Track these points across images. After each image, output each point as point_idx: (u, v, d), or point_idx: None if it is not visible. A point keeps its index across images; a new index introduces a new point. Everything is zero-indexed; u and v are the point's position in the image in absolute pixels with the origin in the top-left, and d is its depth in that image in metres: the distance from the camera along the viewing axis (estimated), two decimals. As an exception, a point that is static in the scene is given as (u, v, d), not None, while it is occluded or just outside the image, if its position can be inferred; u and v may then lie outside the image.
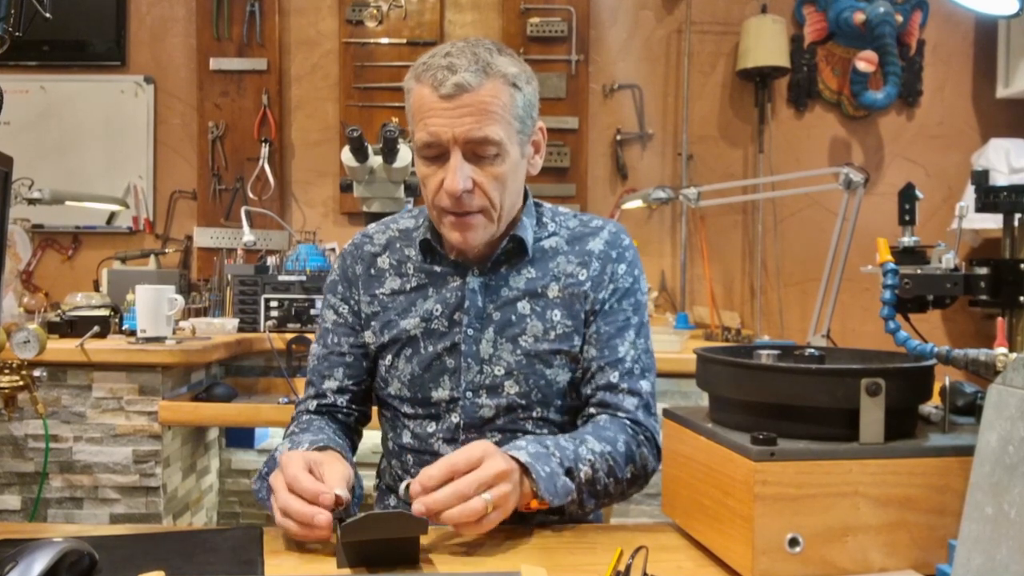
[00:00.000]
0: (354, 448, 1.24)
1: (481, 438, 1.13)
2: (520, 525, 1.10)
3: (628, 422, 1.13)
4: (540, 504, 0.97)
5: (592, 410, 1.16)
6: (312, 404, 1.22)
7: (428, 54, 1.08)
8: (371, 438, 1.32)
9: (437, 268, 1.18)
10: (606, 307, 1.16)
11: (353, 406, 1.22)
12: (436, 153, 1.07)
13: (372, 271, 1.21)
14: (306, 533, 0.87)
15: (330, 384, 1.21)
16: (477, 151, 1.06)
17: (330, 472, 0.92)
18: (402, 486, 0.92)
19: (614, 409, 1.14)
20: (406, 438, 1.18)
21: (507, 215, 1.13)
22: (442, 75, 1.04)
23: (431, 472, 0.89)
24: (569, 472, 1.01)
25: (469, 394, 1.14)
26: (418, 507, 0.87)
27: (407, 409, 1.18)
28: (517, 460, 0.95)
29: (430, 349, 1.16)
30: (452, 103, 1.04)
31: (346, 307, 1.22)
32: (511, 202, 1.13)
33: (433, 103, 1.04)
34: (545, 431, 1.15)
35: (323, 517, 0.85)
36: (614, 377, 1.14)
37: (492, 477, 0.89)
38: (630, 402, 1.14)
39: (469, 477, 0.89)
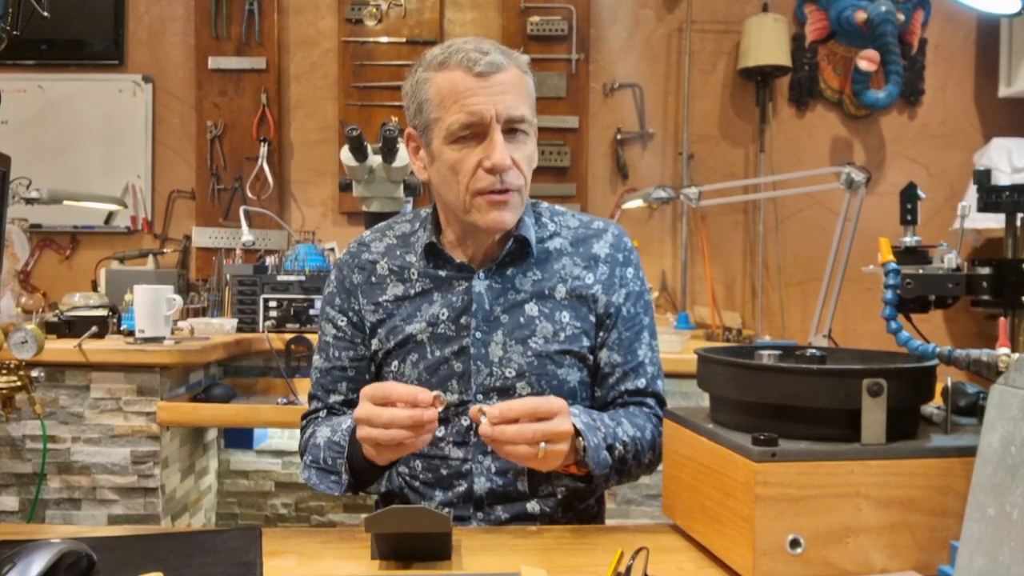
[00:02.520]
0: None
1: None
2: (520, 525, 1.10)
3: (652, 415, 1.19)
4: (579, 470, 1.04)
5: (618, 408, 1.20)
6: (322, 413, 1.23)
7: (440, 48, 1.10)
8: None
9: (442, 273, 1.17)
10: (623, 312, 1.19)
11: None
12: (474, 132, 1.07)
13: (373, 279, 1.20)
14: (416, 434, 0.95)
15: (335, 398, 1.22)
16: (514, 127, 1.08)
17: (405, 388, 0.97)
18: (478, 408, 0.96)
19: (639, 407, 1.20)
20: None
21: (527, 200, 1.16)
22: (475, 56, 1.06)
23: (513, 406, 0.95)
24: (610, 448, 1.06)
25: (480, 396, 1.14)
26: (486, 430, 0.94)
27: None
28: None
29: (437, 353, 1.15)
30: (488, 81, 1.06)
31: (345, 319, 1.21)
32: (529, 186, 1.15)
33: (469, 83, 1.06)
34: (576, 406, 1.16)
35: (431, 412, 0.94)
36: (641, 383, 1.19)
37: (557, 434, 0.96)
38: (652, 401, 1.21)
39: (540, 425, 0.95)
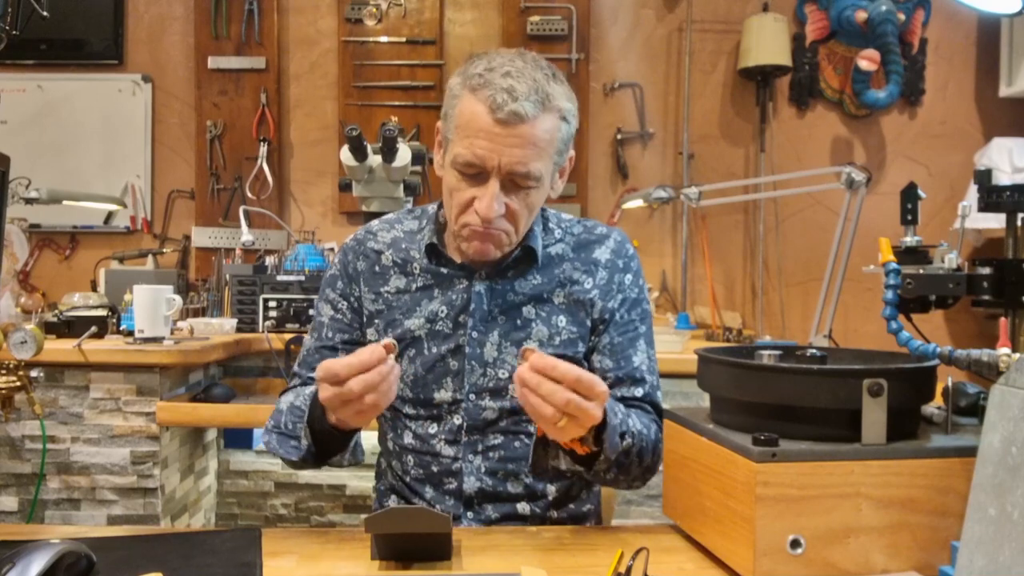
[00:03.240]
0: None
1: (484, 439, 1.15)
2: (520, 525, 1.10)
3: (654, 420, 1.16)
4: (581, 448, 0.99)
5: None
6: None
7: (485, 64, 1.05)
8: (370, 438, 1.31)
9: (444, 270, 1.17)
10: (616, 317, 1.18)
11: None
12: (475, 172, 1.06)
13: (376, 268, 1.20)
14: (378, 396, 0.91)
15: None
16: (517, 182, 1.06)
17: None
18: (529, 348, 0.92)
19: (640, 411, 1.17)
20: (407, 439, 1.18)
21: (521, 238, 1.14)
22: (502, 98, 1.01)
23: (559, 367, 0.89)
24: (621, 435, 1.03)
25: (472, 396, 1.14)
26: (524, 372, 0.89)
27: (408, 410, 1.18)
28: None
29: (434, 350, 1.15)
30: (505, 130, 1.02)
31: (345, 303, 1.21)
32: (526, 228, 1.14)
33: (485, 124, 1.02)
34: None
35: (387, 366, 0.90)
36: (637, 392, 1.17)
37: (586, 415, 0.89)
38: (651, 411, 1.18)
39: (576, 397, 0.88)
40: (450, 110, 1.09)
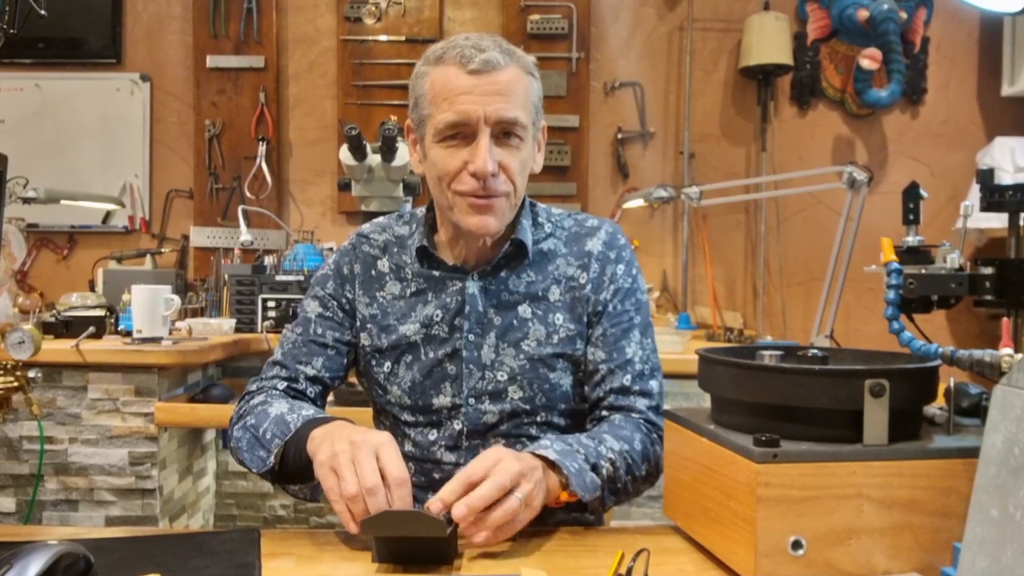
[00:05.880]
0: None
1: (484, 445, 1.13)
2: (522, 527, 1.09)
3: (642, 421, 1.13)
4: (569, 497, 0.97)
5: (604, 412, 1.15)
6: (281, 384, 1.16)
7: (443, 43, 1.08)
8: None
9: (436, 273, 1.16)
10: (609, 308, 1.16)
11: (318, 401, 1.19)
12: (462, 133, 1.05)
13: (372, 273, 1.19)
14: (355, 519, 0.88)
15: (306, 370, 1.17)
16: (506, 130, 1.06)
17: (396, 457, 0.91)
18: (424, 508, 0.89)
19: (627, 411, 1.14)
20: (407, 447, 1.17)
21: (518, 206, 1.13)
22: (470, 52, 1.04)
23: (451, 487, 0.88)
24: (595, 468, 1.01)
25: (472, 400, 1.13)
26: (460, 510, 0.85)
27: (407, 417, 1.17)
28: (545, 458, 0.96)
29: (431, 355, 1.14)
30: (481, 79, 1.03)
31: (335, 303, 1.19)
32: (522, 193, 1.12)
33: (461, 81, 1.03)
34: (549, 435, 1.13)
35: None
36: (626, 380, 1.14)
37: (512, 478, 0.89)
38: (642, 403, 1.14)
39: (489, 482, 0.87)
40: (419, 92, 1.09)
